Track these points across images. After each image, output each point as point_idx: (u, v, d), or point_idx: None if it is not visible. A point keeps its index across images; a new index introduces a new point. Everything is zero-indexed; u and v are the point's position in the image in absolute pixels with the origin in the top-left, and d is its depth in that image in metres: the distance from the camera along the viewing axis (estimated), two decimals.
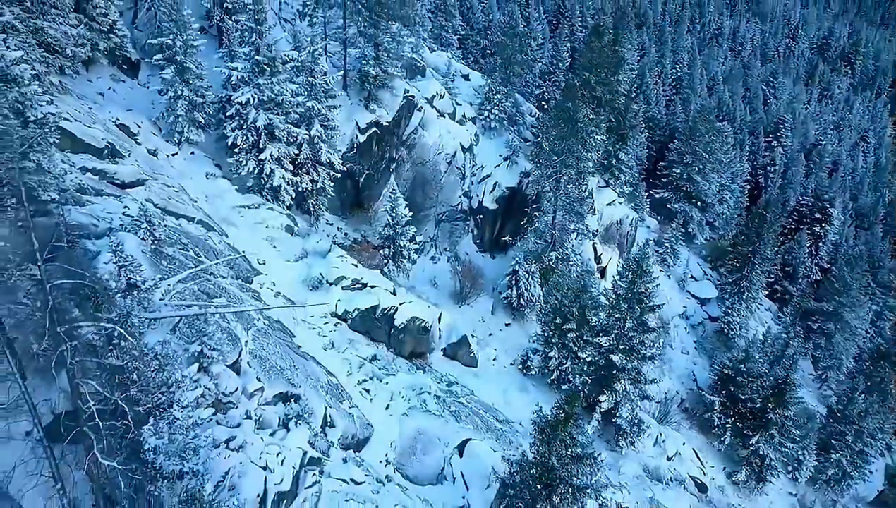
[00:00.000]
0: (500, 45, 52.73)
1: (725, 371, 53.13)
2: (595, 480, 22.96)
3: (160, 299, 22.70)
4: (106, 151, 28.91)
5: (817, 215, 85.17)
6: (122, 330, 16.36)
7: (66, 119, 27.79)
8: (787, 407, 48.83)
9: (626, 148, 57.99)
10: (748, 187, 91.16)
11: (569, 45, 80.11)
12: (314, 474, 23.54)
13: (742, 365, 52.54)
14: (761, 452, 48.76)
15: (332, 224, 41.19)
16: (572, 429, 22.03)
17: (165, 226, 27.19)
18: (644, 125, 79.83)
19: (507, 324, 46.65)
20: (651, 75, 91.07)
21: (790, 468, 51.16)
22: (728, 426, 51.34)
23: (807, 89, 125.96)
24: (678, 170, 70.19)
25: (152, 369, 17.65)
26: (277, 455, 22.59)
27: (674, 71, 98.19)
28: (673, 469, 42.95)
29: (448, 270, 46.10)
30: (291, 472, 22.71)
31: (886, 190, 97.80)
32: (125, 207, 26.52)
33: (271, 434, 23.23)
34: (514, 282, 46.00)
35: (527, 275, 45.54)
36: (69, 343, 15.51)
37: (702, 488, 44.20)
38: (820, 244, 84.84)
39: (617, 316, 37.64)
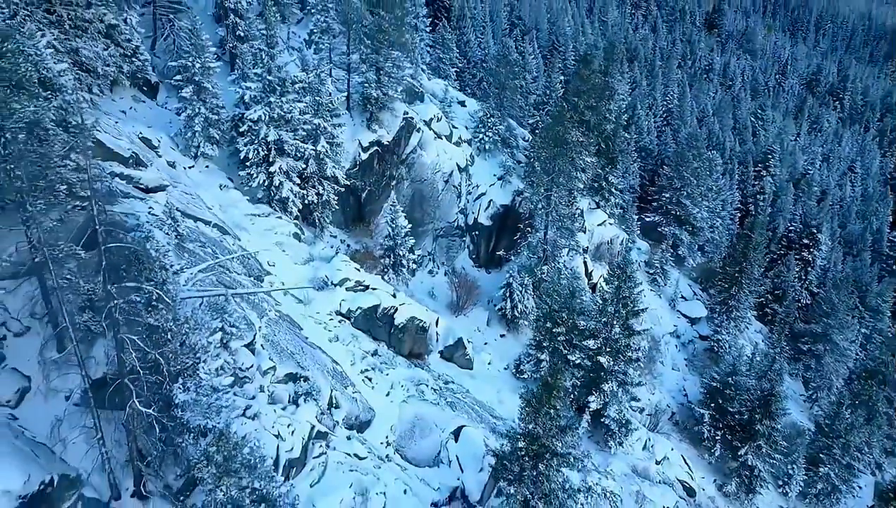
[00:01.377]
0: (493, 73, 56.59)
1: (714, 384, 55.37)
2: (576, 451, 25.40)
3: (183, 284, 25.51)
4: (131, 160, 32.01)
5: (805, 241, 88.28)
6: (160, 293, 19.16)
7: (96, 130, 30.92)
8: (774, 418, 51.03)
9: (615, 171, 61.45)
10: (738, 215, 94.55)
11: (562, 77, 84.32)
12: (321, 446, 26.05)
13: (729, 378, 54.83)
14: (750, 463, 50.72)
15: (335, 236, 44.15)
16: (556, 401, 24.62)
17: (186, 226, 30.14)
18: (636, 154, 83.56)
19: (501, 335, 49.25)
20: (642, 107, 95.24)
21: (780, 482, 53.06)
22: (718, 438, 53.29)
23: (796, 122, 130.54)
24: (667, 195, 73.54)
25: (183, 332, 20.37)
26: (288, 427, 25.15)
27: (664, 103, 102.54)
28: (661, 472, 45.04)
29: (445, 283, 48.94)
30: (301, 442, 25.24)
31: (874, 218, 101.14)
32: (150, 208, 29.52)
33: (283, 409, 25.83)
34: (508, 295, 48.80)
35: (521, 288, 48.36)
36: (117, 300, 18.31)
37: (690, 492, 46.22)
38: (809, 269, 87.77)
39: (604, 320, 40.36)
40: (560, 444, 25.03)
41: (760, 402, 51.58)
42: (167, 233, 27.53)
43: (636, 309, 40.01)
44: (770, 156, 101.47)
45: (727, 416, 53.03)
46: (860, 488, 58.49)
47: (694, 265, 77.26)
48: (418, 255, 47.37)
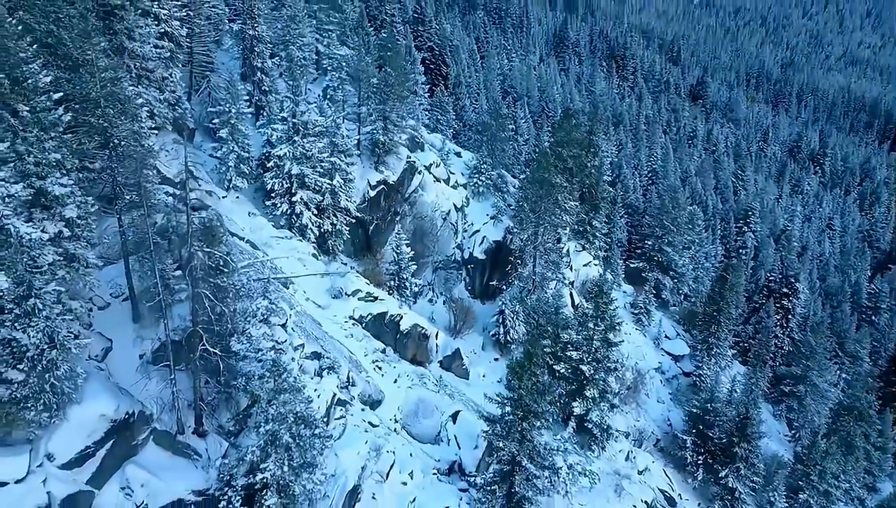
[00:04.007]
0: (486, 125, 64.69)
1: (695, 411, 60.77)
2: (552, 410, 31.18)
3: None
4: (179, 183, 38.91)
5: (785, 290, 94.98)
6: (227, 259, 25.61)
7: (153, 157, 37.94)
8: (750, 440, 56.34)
9: (599, 216, 68.76)
10: (721, 267, 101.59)
11: (550, 137, 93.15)
12: (341, 410, 31.90)
13: (708, 405, 60.32)
14: (731, 485, 55.71)
15: (346, 263, 50.66)
16: (535, 367, 30.65)
17: (225, 237, 36.73)
18: (623, 210, 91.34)
19: (495, 359, 55.05)
20: (628, 167, 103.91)
21: None
22: (700, 462, 58.30)
23: (777, 185, 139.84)
24: (650, 242, 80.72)
25: (240, 296, 26.71)
26: (315, 391, 31.00)
27: (649, 163, 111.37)
28: (643, 481, 50.10)
29: (444, 310, 55.16)
30: (325, 405, 31.11)
31: (852, 271, 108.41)
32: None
33: (311, 378, 31.71)
34: (501, 321, 54.99)
35: (512, 315, 54.59)
36: (196, 261, 24.75)
37: (670, 501, 51.14)
38: (790, 317, 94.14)
39: (585, 333, 46.47)
40: (539, 406, 30.87)
41: (738, 426, 57.01)
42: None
43: (613, 323, 46.20)
44: (750, 213, 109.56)
45: (708, 441, 58.15)
46: None
47: (677, 308, 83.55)
48: (419, 285, 53.85)
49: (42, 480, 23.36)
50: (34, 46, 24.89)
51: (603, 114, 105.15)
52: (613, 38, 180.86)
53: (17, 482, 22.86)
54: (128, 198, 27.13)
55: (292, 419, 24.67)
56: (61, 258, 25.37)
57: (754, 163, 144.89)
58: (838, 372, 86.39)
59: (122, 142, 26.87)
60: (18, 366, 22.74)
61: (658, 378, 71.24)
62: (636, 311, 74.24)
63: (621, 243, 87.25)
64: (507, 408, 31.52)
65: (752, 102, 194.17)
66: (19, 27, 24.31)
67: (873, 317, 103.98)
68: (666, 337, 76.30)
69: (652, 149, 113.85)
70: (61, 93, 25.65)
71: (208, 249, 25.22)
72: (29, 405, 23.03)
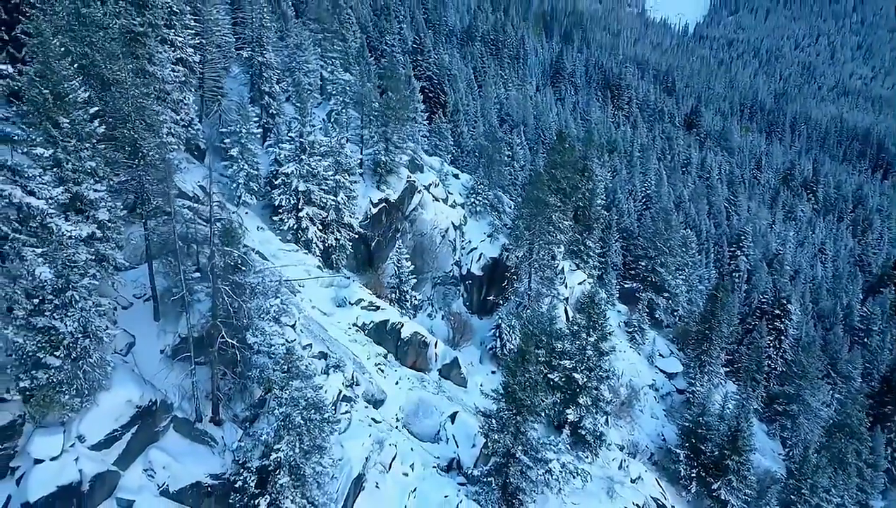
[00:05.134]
0: (482, 148, 67.94)
1: (687, 425, 62.87)
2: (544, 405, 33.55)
3: None
4: (193, 198, 41.73)
5: (777, 311, 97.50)
6: (244, 258, 28.26)
7: None
8: (741, 453, 58.43)
9: (592, 236, 71.64)
10: (713, 287, 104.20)
11: (545, 159, 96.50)
12: (347, 406, 34.23)
13: (700, 419, 62.46)
14: (723, 497, 57.68)
15: (348, 277, 53.26)
16: (529, 365, 33.11)
17: (244, 238, 39.41)
18: (618, 234, 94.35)
19: (492, 372, 57.32)
20: (622, 192, 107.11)
21: None
22: (693, 476, 60.27)
23: (771, 211, 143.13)
24: (643, 264, 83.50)
25: (256, 293, 29.31)
26: (322, 387, 33.34)
27: (643, 189, 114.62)
28: (636, 490, 52.06)
29: (443, 324, 57.64)
30: (332, 400, 33.44)
31: (844, 294, 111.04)
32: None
33: (318, 376, 34.10)
34: (498, 335, 57.46)
35: (508, 329, 57.05)
36: (217, 260, 27.39)
37: None
38: (783, 338, 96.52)
39: (578, 343, 48.90)
40: (532, 401, 33.27)
41: (729, 439, 59.12)
42: None
43: (604, 332, 48.70)
44: (743, 238, 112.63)
45: (701, 455, 60.23)
46: None
47: (671, 327, 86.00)
48: (419, 300, 56.42)
49: (74, 458, 25.71)
50: (74, 66, 27.84)
51: (598, 140, 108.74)
52: (609, 69, 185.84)
53: (52, 459, 25.21)
54: (154, 203, 29.90)
55: (303, 403, 27.08)
56: (93, 257, 28.03)
57: (748, 190, 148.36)
58: (831, 392, 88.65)
59: (150, 153, 29.70)
60: (55, 353, 25.21)
61: (652, 394, 73.39)
62: (630, 330, 76.70)
63: (616, 266, 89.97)
64: (502, 403, 33.89)
65: (746, 132, 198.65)
66: (61, 49, 27.29)
67: (866, 339, 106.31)
68: (660, 355, 78.63)
69: (646, 175, 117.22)
70: (96, 108, 28.56)
71: (227, 248, 27.88)
72: (63, 389, 25.46)
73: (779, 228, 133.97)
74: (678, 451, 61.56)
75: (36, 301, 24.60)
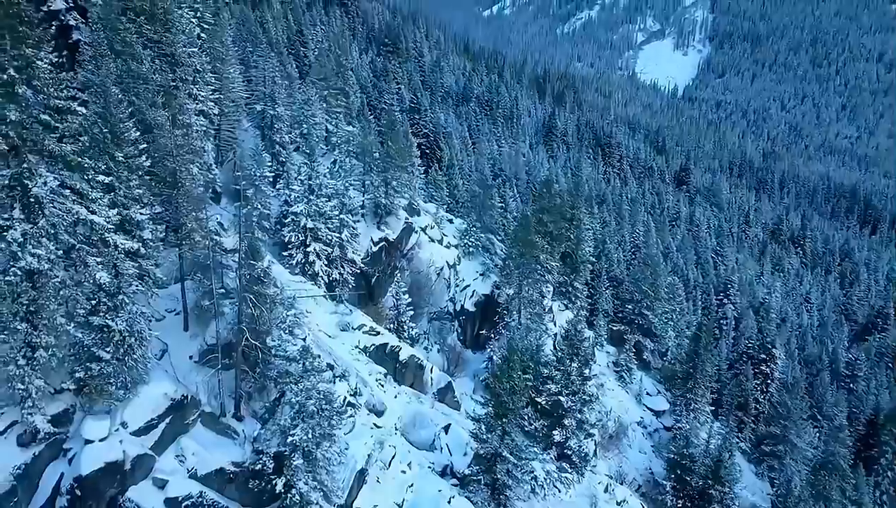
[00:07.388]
0: (473, 194, 74.02)
1: (673, 457, 66.85)
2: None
3: None
4: (215, 232, 47.10)
5: (763, 356, 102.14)
6: (266, 271, 33.49)
7: None
8: (724, 483, 62.52)
9: (579, 278, 77.03)
10: (696, 328, 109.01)
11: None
12: (351, 410, 38.82)
13: (685, 450, 66.50)
14: None
15: (350, 311, 58.23)
16: (513, 372, 37.92)
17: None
18: (608, 282, 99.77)
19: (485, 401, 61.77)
20: (611, 242, 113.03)
21: None
22: (679, 506, 64.06)
23: (759, 264, 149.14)
24: (630, 307, 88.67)
25: (276, 302, 34.42)
26: (332, 383, 37.98)
27: (632, 239, 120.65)
28: None
29: (438, 357, 62.36)
30: (339, 402, 37.98)
31: (829, 341, 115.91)
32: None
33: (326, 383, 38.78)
34: (490, 367, 62.06)
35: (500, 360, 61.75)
36: (245, 272, 32.60)
37: None
38: (769, 382, 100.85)
39: (562, 368, 53.61)
40: (515, 405, 37.95)
41: (712, 470, 63.16)
42: None
43: (587, 357, 53.52)
44: (730, 286, 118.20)
45: (687, 486, 64.12)
46: None
47: (659, 369, 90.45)
48: (416, 333, 61.32)
49: (119, 441, 30.31)
50: (128, 110, 33.73)
51: (587, 193, 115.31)
52: (600, 128, 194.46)
53: (100, 440, 29.82)
54: (189, 227, 35.31)
55: (316, 395, 31.80)
56: (137, 272, 33.26)
57: (736, 243, 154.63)
58: (817, 434, 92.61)
59: (187, 183, 35.31)
60: (106, 349, 30.14)
61: (640, 431, 77.40)
62: (618, 369, 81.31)
63: (607, 313, 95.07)
64: (490, 408, 38.55)
65: (736, 189, 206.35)
66: (119, 96, 33.22)
67: (851, 385, 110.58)
68: (647, 393, 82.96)
69: (635, 226, 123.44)
70: (144, 145, 34.33)
71: (252, 261, 33.15)
72: (111, 381, 30.32)
73: (767, 280, 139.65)
74: (665, 483, 65.34)
75: (93, 302, 29.71)
